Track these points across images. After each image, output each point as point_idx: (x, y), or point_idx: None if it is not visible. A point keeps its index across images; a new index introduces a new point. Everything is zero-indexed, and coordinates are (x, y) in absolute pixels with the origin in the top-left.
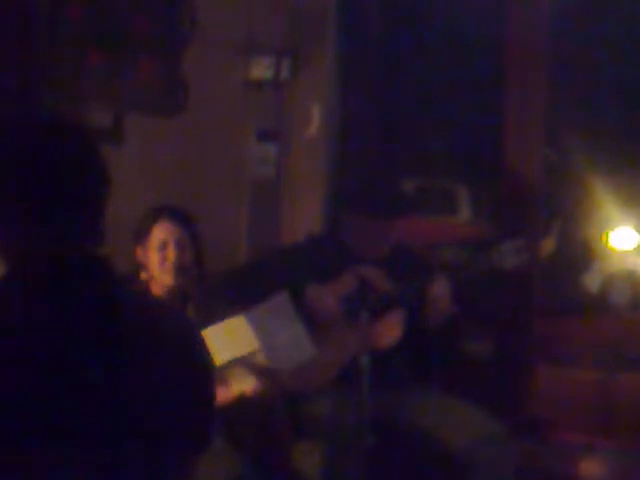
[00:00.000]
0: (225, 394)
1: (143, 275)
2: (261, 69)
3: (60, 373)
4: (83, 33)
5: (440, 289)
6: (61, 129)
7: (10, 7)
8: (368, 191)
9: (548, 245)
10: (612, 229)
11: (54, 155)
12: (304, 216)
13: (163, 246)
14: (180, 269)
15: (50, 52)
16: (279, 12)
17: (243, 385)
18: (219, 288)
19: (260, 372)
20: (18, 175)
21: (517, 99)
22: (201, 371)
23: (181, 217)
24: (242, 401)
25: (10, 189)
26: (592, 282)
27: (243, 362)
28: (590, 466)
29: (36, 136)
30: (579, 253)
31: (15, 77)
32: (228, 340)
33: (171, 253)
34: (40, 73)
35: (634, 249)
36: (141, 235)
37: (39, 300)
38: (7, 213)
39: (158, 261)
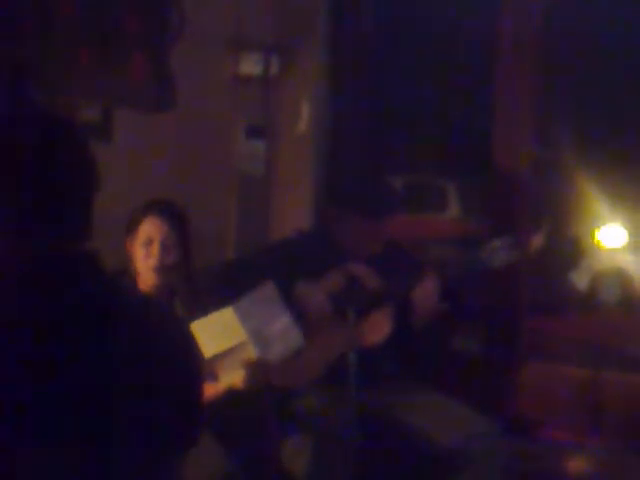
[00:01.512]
0: (213, 388)
1: (132, 268)
2: (250, 65)
3: (47, 371)
4: (74, 30)
5: (428, 286)
6: (51, 125)
7: (2, 4)
8: (360, 189)
9: (537, 242)
10: (601, 227)
11: (43, 151)
12: (293, 213)
13: (148, 242)
14: (162, 268)
15: (41, 49)
16: (268, 8)
17: (232, 378)
18: (207, 284)
19: (249, 364)
20: (6, 171)
21: (506, 96)
22: (189, 367)
23: (171, 214)
24: (231, 395)
25: None
26: (581, 279)
27: (232, 354)
28: (578, 464)
29: (26, 132)
30: (568, 250)
31: (6, 74)
32: (216, 332)
33: (155, 251)
34: (31, 70)
35: (623, 247)
36: (130, 228)
37: (27, 298)
38: None
39: (142, 257)
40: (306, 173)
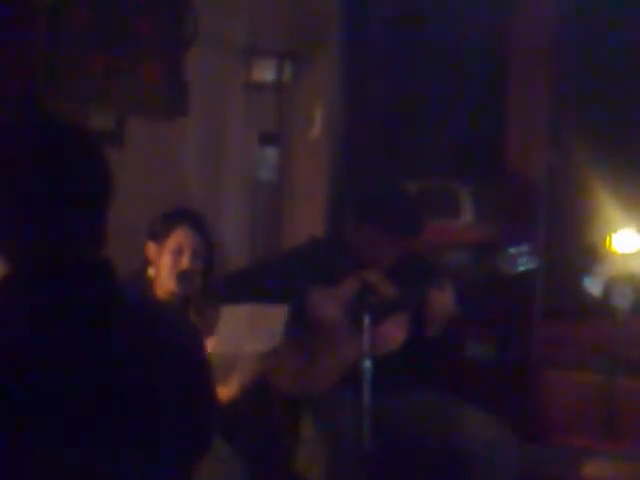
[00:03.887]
0: (226, 393)
1: (150, 271)
2: (263, 72)
3: (58, 375)
4: (86, 36)
5: (442, 293)
6: (64, 131)
7: (13, 10)
8: (386, 206)
9: (553, 249)
10: (614, 232)
11: (58, 157)
12: (306, 219)
13: (179, 251)
14: (189, 276)
15: (53, 55)
16: (282, 15)
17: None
18: (220, 291)
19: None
20: (21, 177)
21: (520, 101)
22: (201, 373)
23: (200, 224)
24: (244, 402)
25: (13, 190)
26: (594, 285)
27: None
28: (592, 470)
29: (40, 138)
30: (581, 256)
31: (19, 80)
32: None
33: (185, 260)
34: (43, 76)
35: (636, 252)
36: (159, 234)
37: (38, 302)
38: (9, 214)
39: (170, 264)
40: (319, 179)
